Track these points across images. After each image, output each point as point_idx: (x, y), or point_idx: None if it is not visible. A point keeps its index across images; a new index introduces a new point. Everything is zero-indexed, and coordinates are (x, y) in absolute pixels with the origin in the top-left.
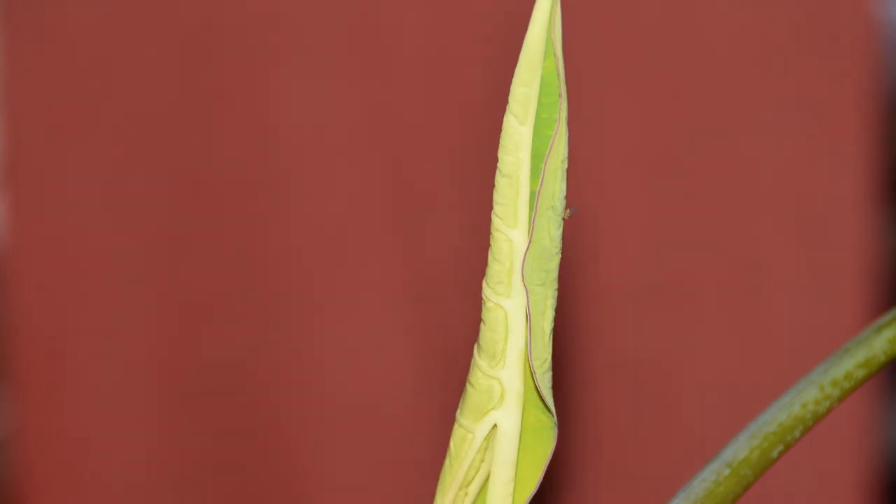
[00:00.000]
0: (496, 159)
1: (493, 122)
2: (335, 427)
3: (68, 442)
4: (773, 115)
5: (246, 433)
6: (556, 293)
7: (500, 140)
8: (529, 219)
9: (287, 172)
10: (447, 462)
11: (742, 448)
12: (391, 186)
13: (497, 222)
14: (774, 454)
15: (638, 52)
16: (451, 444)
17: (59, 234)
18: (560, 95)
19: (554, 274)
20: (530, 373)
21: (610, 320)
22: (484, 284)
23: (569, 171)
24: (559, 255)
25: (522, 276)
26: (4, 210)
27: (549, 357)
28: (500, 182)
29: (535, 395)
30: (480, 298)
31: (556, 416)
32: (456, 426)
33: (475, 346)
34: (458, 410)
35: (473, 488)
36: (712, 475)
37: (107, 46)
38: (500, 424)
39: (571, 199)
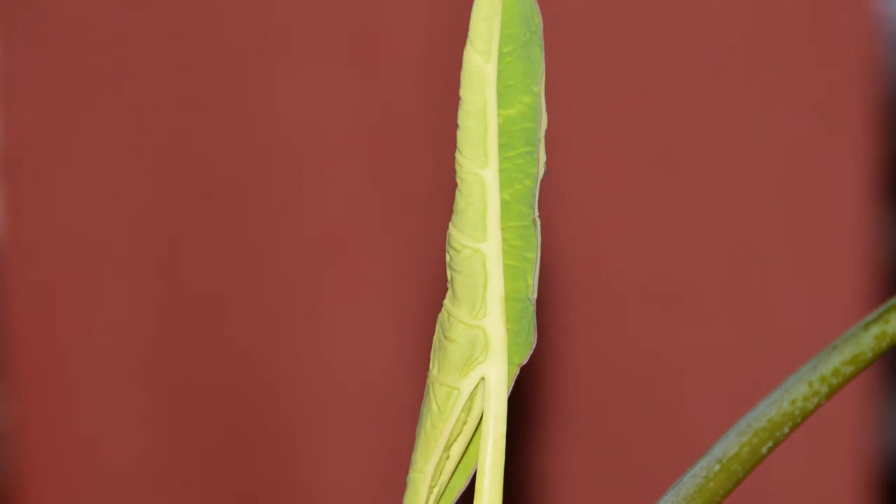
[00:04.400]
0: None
1: None
2: (335, 426)
3: (66, 439)
4: (774, 115)
5: (244, 432)
6: None
7: (462, 79)
8: (499, 156)
9: (287, 172)
10: (428, 424)
11: (732, 444)
12: (391, 186)
13: (466, 163)
14: (764, 450)
15: (638, 51)
16: (433, 404)
17: (57, 232)
18: (536, 24)
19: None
20: (517, 315)
21: (609, 319)
22: (454, 231)
23: (569, 170)
24: None
25: (535, 209)
26: (2, 208)
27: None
28: (467, 122)
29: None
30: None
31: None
32: (436, 385)
33: (448, 299)
34: (435, 369)
35: (456, 450)
36: (703, 471)
37: (106, 45)
38: (489, 377)
39: (573, 197)
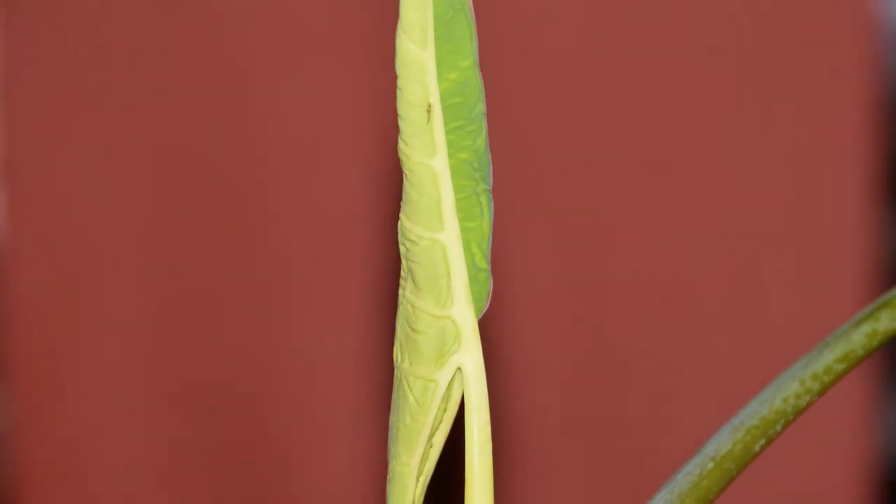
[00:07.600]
0: (495, 156)
1: (492, 121)
2: (330, 425)
3: (65, 440)
4: (773, 115)
5: (241, 432)
6: None
7: (398, 69)
8: (446, 142)
9: (285, 173)
10: (407, 417)
11: (725, 442)
12: (388, 185)
13: (413, 154)
14: (757, 448)
15: (638, 51)
16: (410, 398)
17: (58, 232)
18: (462, 1)
19: None
20: (479, 290)
21: (604, 316)
22: (408, 223)
23: (569, 169)
24: None
25: (484, 181)
26: (2, 209)
27: None
28: (410, 113)
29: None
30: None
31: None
32: (410, 378)
33: (408, 290)
34: (406, 362)
35: (439, 438)
36: (696, 469)
37: (105, 45)
38: (465, 367)
39: (572, 197)
